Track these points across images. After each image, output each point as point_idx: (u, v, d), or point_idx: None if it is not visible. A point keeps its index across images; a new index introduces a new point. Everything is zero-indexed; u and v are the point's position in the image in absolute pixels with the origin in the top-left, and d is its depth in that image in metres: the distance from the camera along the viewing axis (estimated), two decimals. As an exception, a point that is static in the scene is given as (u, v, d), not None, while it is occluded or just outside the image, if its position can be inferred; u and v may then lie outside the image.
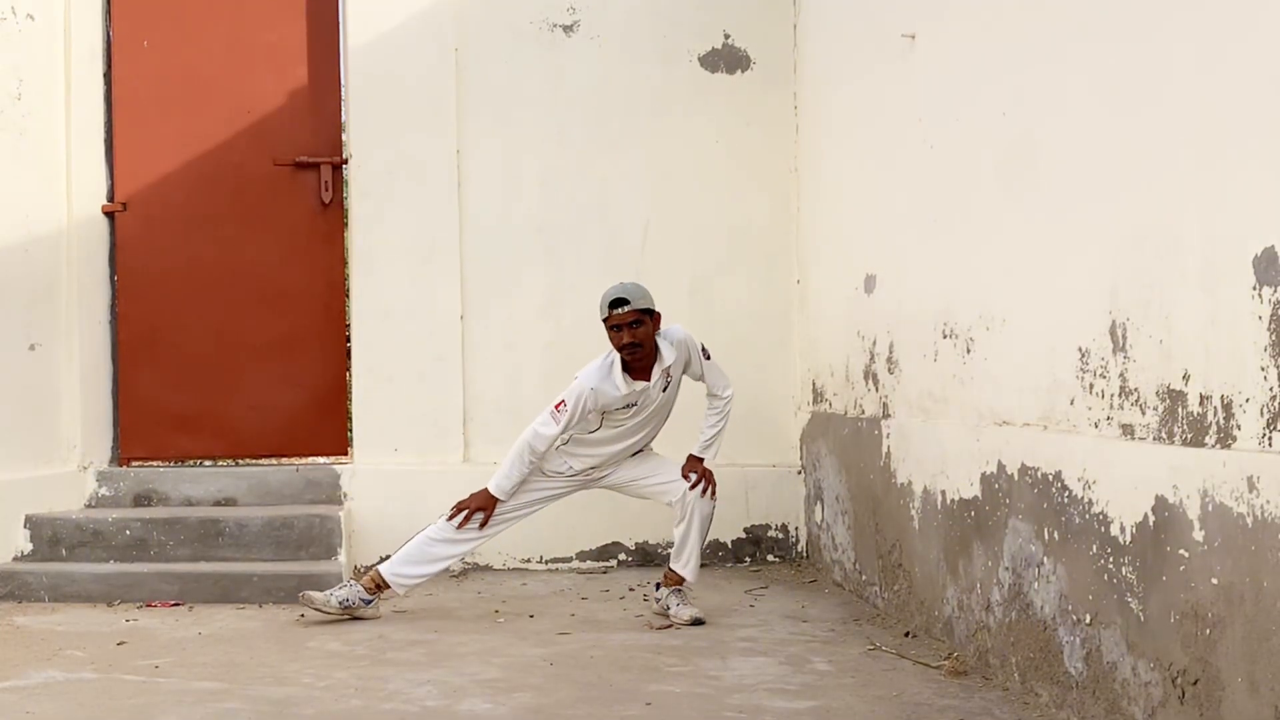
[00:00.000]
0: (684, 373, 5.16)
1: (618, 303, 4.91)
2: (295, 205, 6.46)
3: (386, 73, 6.34)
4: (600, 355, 5.06)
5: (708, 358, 5.17)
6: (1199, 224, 3.02)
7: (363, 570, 5.69)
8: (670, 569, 5.19)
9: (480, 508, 5.12)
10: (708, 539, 5.41)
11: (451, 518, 5.12)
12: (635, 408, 5.06)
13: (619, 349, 4.95)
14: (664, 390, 5.09)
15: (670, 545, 5.88)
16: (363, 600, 5.12)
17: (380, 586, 5.12)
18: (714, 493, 5.17)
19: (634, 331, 4.91)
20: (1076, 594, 3.57)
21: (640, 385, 5.01)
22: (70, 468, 6.15)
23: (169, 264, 6.38)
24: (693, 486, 5.13)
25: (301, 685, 4.16)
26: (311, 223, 6.47)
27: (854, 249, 5.53)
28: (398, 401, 6.32)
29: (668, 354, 5.02)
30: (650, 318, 4.97)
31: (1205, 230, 2.99)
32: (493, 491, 5.11)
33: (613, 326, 4.94)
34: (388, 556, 5.44)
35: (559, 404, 4.97)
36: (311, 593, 5.11)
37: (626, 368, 4.99)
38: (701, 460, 5.20)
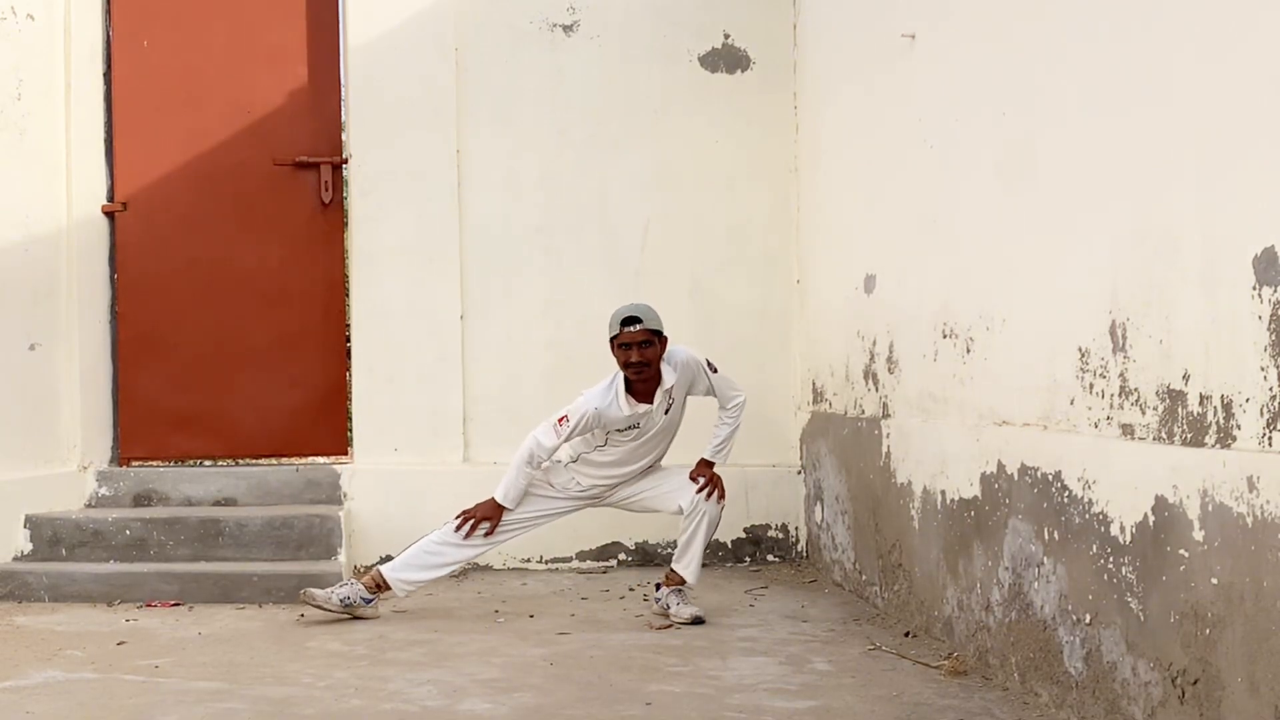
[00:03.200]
0: (689, 393, 5.16)
1: (630, 320, 4.92)
2: (295, 205, 6.46)
3: (386, 73, 6.34)
4: (605, 377, 5.08)
5: (714, 371, 5.17)
6: (1199, 224, 3.02)
7: (363, 570, 5.70)
8: (672, 569, 5.19)
9: (486, 517, 5.13)
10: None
11: (459, 528, 5.12)
12: (638, 430, 5.08)
13: (625, 367, 4.97)
14: (666, 413, 5.10)
15: (671, 545, 5.90)
16: (363, 599, 5.12)
17: (381, 586, 5.13)
18: (721, 496, 5.17)
19: (643, 351, 4.94)
20: (1076, 594, 3.57)
21: (643, 408, 5.03)
22: (70, 468, 6.15)
23: (169, 264, 6.38)
24: (700, 490, 5.13)
25: (301, 685, 4.16)
26: (311, 223, 6.47)
27: (854, 249, 5.53)
28: (398, 401, 6.32)
29: (668, 377, 5.03)
30: (659, 340, 4.99)
31: (1205, 230, 2.99)
32: (499, 500, 5.12)
33: (622, 345, 4.95)
34: (388, 556, 5.45)
35: (561, 419, 4.99)
36: (313, 590, 5.12)
37: (630, 388, 5.01)
38: (711, 465, 5.21)
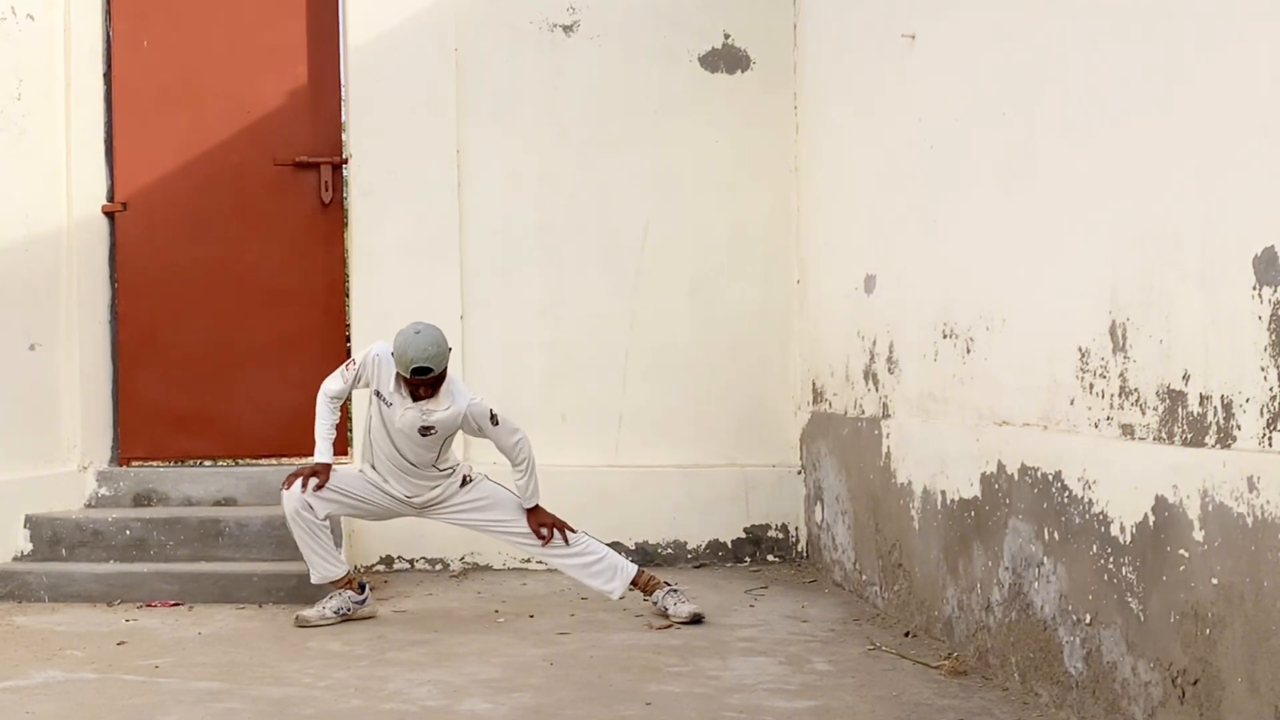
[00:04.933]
0: (460, 428, 5.07)
1: (421, 370, 4.82)
2: (295, 205, 6.46)
3: (386, 73, 6.34)
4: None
5: (495, 424, 5.06)
6: (1199, 224, 3.02)
7: (361, 570, 5.70)
8: (630, 587, 5.16)
9: (314, 473, 5.06)
10: (701, 536, 5.37)
11: (289, 484, 5.06)
12: (392, 409, 4.98)
13: (409, 387, 4.94)
14: (421, 429, 4.97)
15: (672, 545, 5.91)
16: (355, 603, 5.13)
17: (354, 582, 5.15)
18: (563, 531, 5.13)
19: (429, 389, 4.92)
20: (1076, 594, 3.57)
21: (404, 399, 4.96)
22: (70, 468, 6.14)
23: (169, 264, 6.37)
24: (545, 542, 5.12)
25: (301, 685, 4.16)
26: (311, 223, 6.47)
27: (854, 249, 5.53)
28: (398, 401, 6.32)
29: (442, 398, 4.95)
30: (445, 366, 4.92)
31: (1205, 230, 2.99)
32: (319, 458, 5.07)
33: (411, 383, 4.90)
34: (388, 556, 5.45)
35: (349, 363, 5.09)
36: (305, 613, 5.09)
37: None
38: (536, 508, 5.16)
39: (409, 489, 5.15)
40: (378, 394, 5.04)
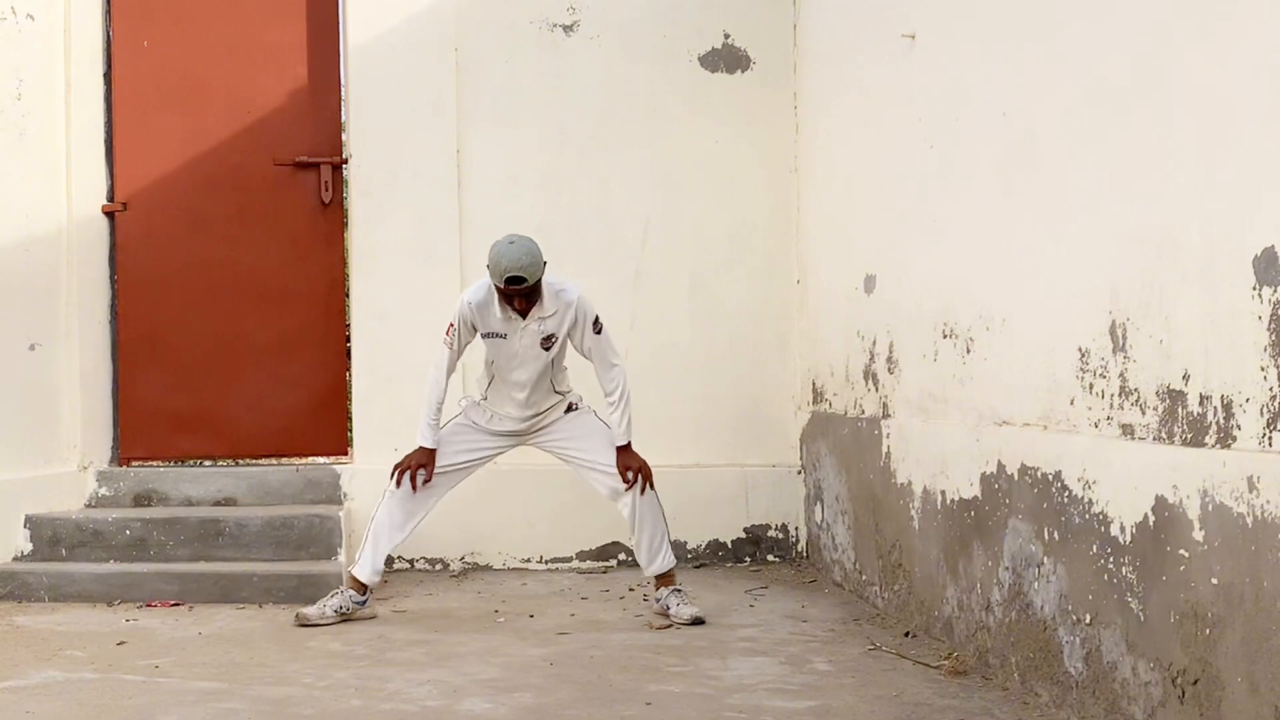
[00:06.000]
0: (568, 336, 5.05)
1: (515, 280, 4.78)
2: (295, 205, 6.46)
3: (386, 73, 6.34)
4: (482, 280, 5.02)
5: (598, 331, 5.04)
6: (1199, 224, 3.02)
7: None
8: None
9: (420, 464, 5.10)
10: (701, 536, 5.38)
11: (399, 482, 5.09)
12: (505, 339, 4.99)
13: (504, 297, 4.92)
14: (544, 346, 4.99)
15: (670, 545, 5.90)
16: (356, 603, 5.13)
17: (363, 584, 5.13)
18: (648, 480, 5.11)
19: (524, 299, 4.89)
20: (1076, 594, 3.57)
21: (515, 319, 4.95)
22: (70, 468, 6.14)
23: (169, 264, 6.37)
24: (629, 486, 5.10)
25: (301, 685, 4.16)
26: (311, 223, 6.46)
27: (854, 249, 5.53)
28: (398, 401, 6.31)
29: (549, 304, 4.95)
30: (540, 277, 4.87)
31: (1205, 230, 3.00)
32: (422, 443, 5.10)
33: (504, 290, 4.88)
34: (388, 556, 5.43)
35: (448, 328, 5.03)
36: (305, 610, 5.10)
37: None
38: (628, 446, 5.12)
39: (523, 413, 5.14)
40: (488, 335, 5.01)
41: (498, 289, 4.89)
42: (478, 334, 5.07)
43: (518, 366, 5.04)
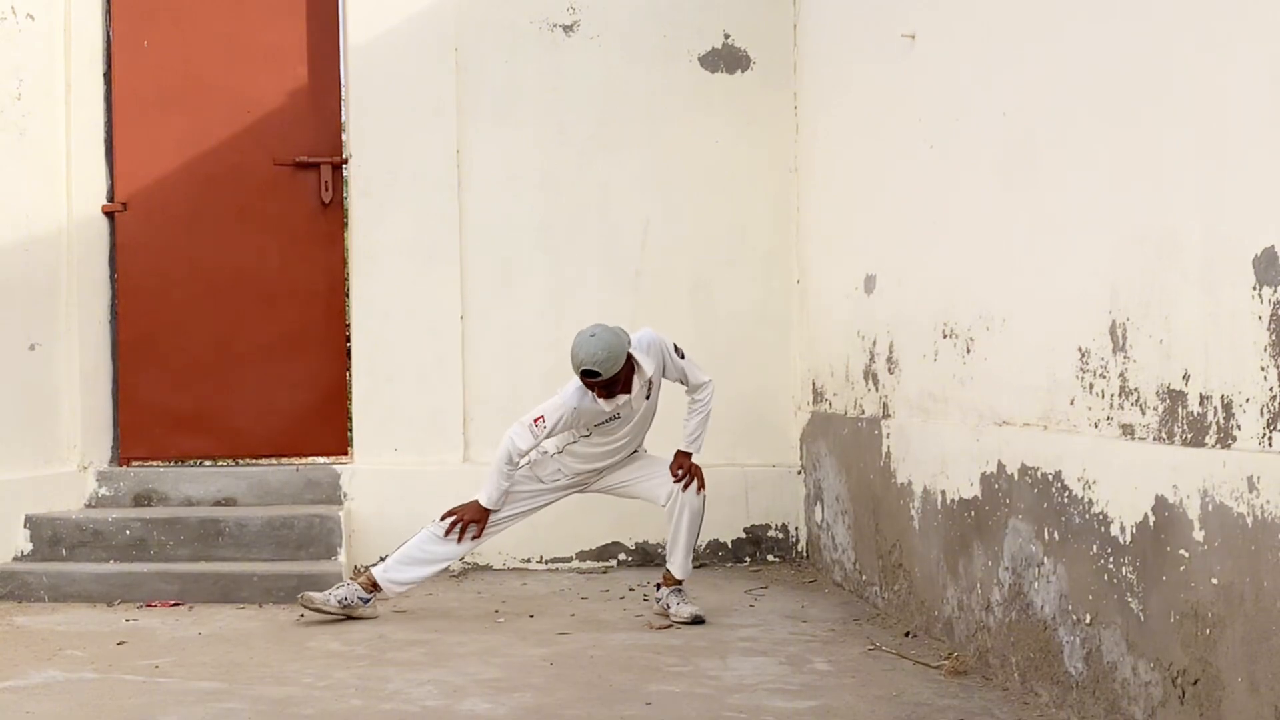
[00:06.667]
0: (664, 375, 5.14)
1: (590, 374, 4.82)
2: (295, 205, 6.46)
3: (386, 73, 6.34)
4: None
5: (681, 356, 5.14)
6: (1199, 224, 3.02)
7: (362, 569, 5.69)
8: (666, 569, 5.20)
9: (474, 519, 5.13)
10: (701, 536, 5.40)
11: (447, 532, 5.12)
12: (620, 420, 5.08)
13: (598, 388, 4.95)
14: (647, 398, 5.10)
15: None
16: (361, 599, 5.13)
17: (376, 586, 5.13)
18: (701, 486, 5.16)
19: (604, 390, 4.91)
20: (1076, 594, 3.57)
21: (623, 398, 5.00)
22: (70, 468, 6.14)
23: (169, 264, 6.37)
24: (678, 482, 5.13)
25: (301, 685, 4.16)
26: (311, 223, 6.46)
27: (854, 249, 5.53)
28: (398, 401, 6.32)
29: (647, 365, 5.00)
30: (621, 368, 4.89)
31: (1205, 230, 3.00)
32: (483, 504, 5.13)
33: (587, 384, 4.91)
34: (387, 557, 5.44)
35: (537, 419, 4.97)
36: (310, 593, 5.12)
37: None
38: (689, 455, 5.19)
39: (602, 463, 5.19)
40: (601, 424, 5.06)
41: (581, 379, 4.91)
42: (580, 427, 5.08)
43: (616, 440, 5.13)
